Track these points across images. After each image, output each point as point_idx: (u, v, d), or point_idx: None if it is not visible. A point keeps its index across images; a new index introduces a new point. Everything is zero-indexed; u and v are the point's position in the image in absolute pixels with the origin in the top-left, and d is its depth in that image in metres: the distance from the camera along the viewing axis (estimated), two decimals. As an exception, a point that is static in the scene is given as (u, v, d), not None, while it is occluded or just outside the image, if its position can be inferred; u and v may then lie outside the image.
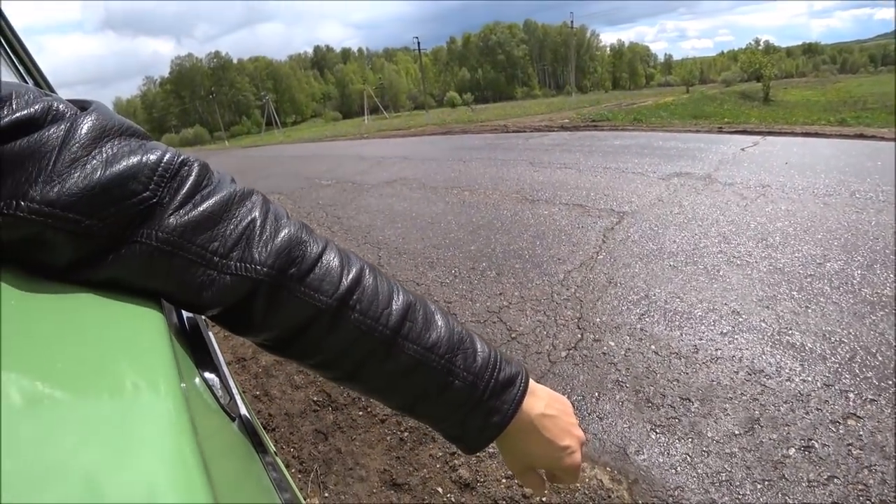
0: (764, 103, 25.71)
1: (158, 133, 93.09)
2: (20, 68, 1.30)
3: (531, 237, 3.73)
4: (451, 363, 0.44)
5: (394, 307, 0.42)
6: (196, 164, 0.37)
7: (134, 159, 0.33)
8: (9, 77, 1.22)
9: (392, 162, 9.02)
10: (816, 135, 7.80)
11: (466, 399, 0.45)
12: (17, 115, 0.30)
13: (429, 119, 30.15)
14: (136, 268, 0.33)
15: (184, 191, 0.35)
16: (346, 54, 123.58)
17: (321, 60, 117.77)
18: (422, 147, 11.34)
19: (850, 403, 1.74)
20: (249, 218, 0.38)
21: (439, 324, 0.45)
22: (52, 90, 1.49)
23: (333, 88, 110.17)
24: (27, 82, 1.30)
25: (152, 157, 0.34)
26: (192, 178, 0.36)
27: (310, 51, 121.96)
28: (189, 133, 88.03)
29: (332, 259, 0.41)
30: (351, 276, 0.41)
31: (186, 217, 0.35)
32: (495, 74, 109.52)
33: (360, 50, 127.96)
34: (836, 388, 1.82)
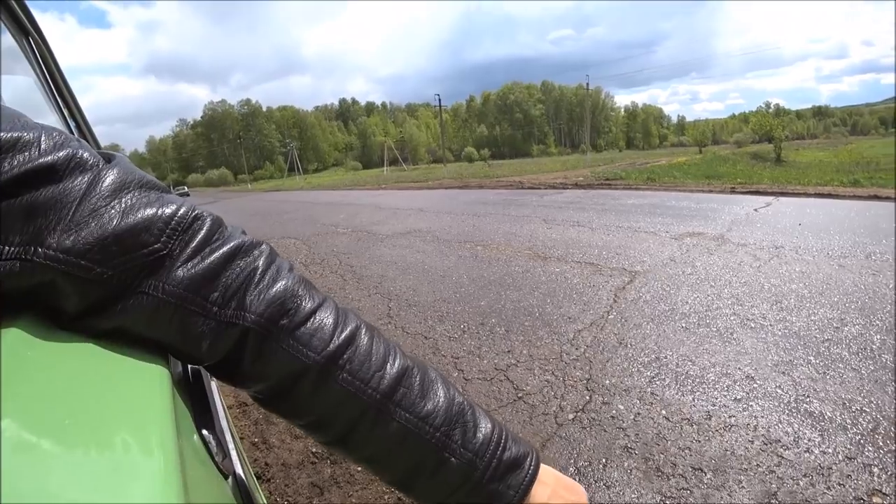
0: (776, 164, 25.81)
1: (185, 172, 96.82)
2: (61, 104, 1.39)
3: (542, 294, 3.72)
4: (447, 437, 0.41)
5: (387, 370, 0.41)
6: (209, 219, 0.38)
7: (149, 212, 0.35)
8: (54, 115, 1.31)
9: (408, 213, 9.20)
10: (830, 195, 7.82)
11: (464, 479, 0.41)
12: (40, 161, 0.31)
13: (446, 173, 30.82)
14: (142, 318, 0.34)
15: (194, 244, 0.36)
16: (370, 107, 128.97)
17: (346, 112, 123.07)
18: (438, 200, 11.57)
19: (875, 479, 1.65)
20: (251, 267, 0.39)
21: (438, 394, 0.43)
22: (89, 128, 1.58)
23: (355, 139, 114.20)
24: (68, 120, 1.40)
25: (167, 211, 0.36)
26: (203, 232, 0.37)
27: (336, 103, 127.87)
28: (214, 174, 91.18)
29: (326, 316, 0.40)
30: (344, 335, 0.40)
31: (193, 270, 0.35)
32: (512, 132, 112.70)
33: (383, 104, 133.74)
34: (859, 461, 1.73)
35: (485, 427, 0.43)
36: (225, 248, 0.38)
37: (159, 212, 0.35)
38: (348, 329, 0.41)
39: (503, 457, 0.43)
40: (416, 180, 23.50)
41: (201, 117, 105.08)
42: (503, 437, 0.44)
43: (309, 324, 0.39)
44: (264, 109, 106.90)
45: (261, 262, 0.40)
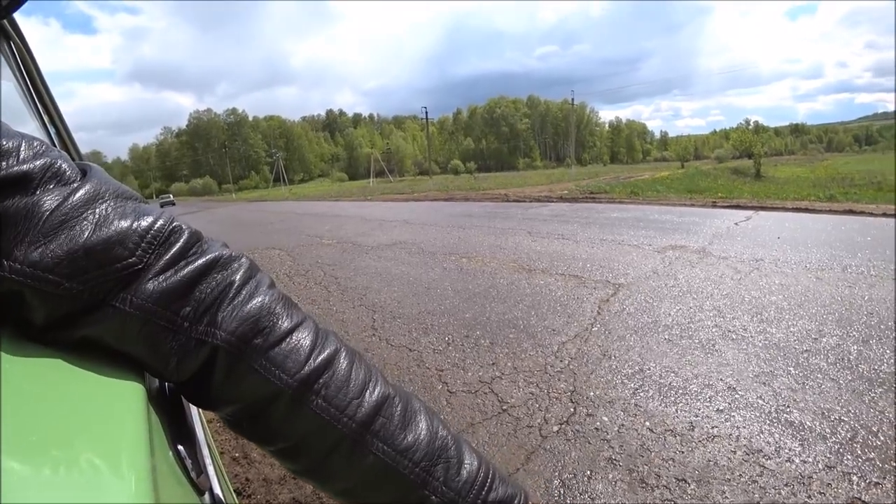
0: (756, 179, 26.44)
1: (169, 181, 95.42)
2: (41, 110, 1.37)
3: (526, 307, 3.73)
4: (427, 473, 0.39)
5: (366, 398, 0.39)
6: (187, 231, 0.37)
7: (124, 224, 0.33)
8: (33, 122, 1.29)
9: (393, 225, 9.19)
10: (807, 210, 8.00)
11: None
12: (15, 169, 0.31)
13: (432, 185, 30.95)
14: (110, 332, 0.33)
15: (168, 256, 0.35)
16: (356, 119, 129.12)
17: (332, 123, 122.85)
18: (423, 212, 11.59)
19: (854, 487, 1.67)
20: (227, 282, 0.37)
21: (420, 426, 0.40)
22: (69, 134, 1.56)
23: (342, 150, 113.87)
24: (48, 127, 1.37)
25: (143, 223, 0.34)
26: (179, 244, 0.36)
27: (323, 113, 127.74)
28: (198, 183, 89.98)
29: (303, 337, 0.39)
30: (321, 358, 0.38)
31: (164, 283, 0.34)
32: (498, 145, 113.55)
33: (370, 115, 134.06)
34: (839, 469, 1.76)
35: (470, 464, 0.41)
36: (201, 261, 0.37)
37: (135, 224, 0.34)
38: (326, 352, 0.39)
39: (488, 497, 0.41)
40: (402, 192, 23.54)
41: (186, 126, 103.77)
42: (489, 476, 0.42)
43: (284, 344, 0.37)
44: (250, 119, 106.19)
45: (238, 277, 0.38)
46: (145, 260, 0.34)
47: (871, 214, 7.08)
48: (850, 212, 7.49)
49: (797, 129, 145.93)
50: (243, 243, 8.62)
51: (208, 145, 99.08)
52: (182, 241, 0.36)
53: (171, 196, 51.27)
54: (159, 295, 0.34)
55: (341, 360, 0.40)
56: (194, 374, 0.36)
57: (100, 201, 0.34)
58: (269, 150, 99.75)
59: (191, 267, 0.36)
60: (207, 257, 0.37)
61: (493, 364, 2.79)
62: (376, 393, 0.40)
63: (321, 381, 0.38)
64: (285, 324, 0.38)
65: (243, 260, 0.40)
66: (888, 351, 2.59)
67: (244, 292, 0.38)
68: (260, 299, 0.38)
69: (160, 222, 0.35)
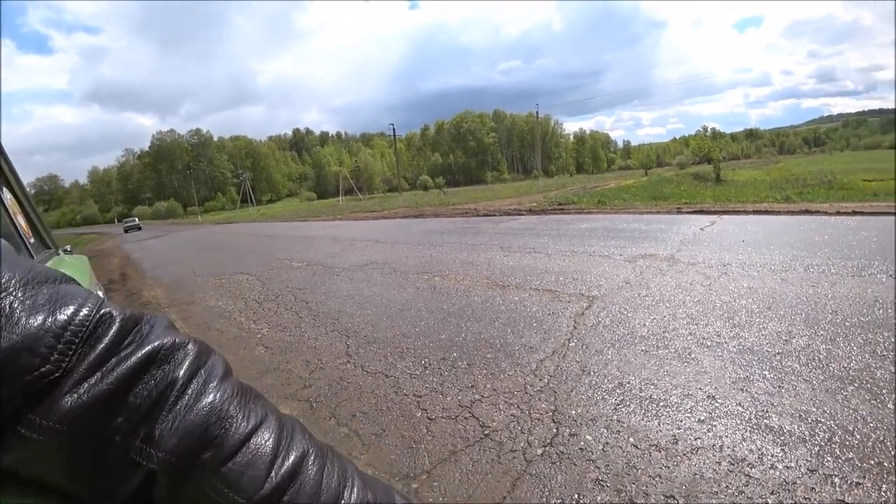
0: (716, 183, 27.48)
1: (131, 204, 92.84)
2: None
3: (502, 324, 3.68)
4: None
5: None
6: (118, 319, 0.31)
7: (34, 321, 0.27)
8: None
9: (364, 245, 9.08)
10: (767, 212, 8.30)
11: None
12: None
13: (402, 202, 30.94)
14: (20, 461, 0.27)
15: (93, 356, 0.29)
16: (324, 138, 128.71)
17: (300, 142, 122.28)
18: (394, 230, 11.52)
19: (837, 489, 1.67)
20: (169, 380, 0.31)
21: None
22: (11, 167, 1.44)
23: (310, 169, 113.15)
24: None
25: (61, 317, 0.28)
26: (108, 338, 0.30)
27: (289, 132, 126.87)
28: (162, 206, 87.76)
29: (263, 442, 0.32)
30: (286, 467, 0.32)
31: (87, 395, 0.28)
32: (466, 159, 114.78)
33: (338, 133, 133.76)
34: (821, 472, 1.76)
35: None
36: (135, 358, 0.30)
37: (49, 320, 0.28)
38: (291, 457, 0.33)
39: None
40: (371, 210, 23.38)
41: (149, 147, 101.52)
42: None
43: (239, 456, 0.31)
44: (216, 139, 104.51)
45: (182, 372, 0.32)
46: (63, 365, 0.28)
47: (826, 213, 7.39)
48: (807, 211, 7.80)
49: (751, 134, 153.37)
50: (210, 269, 8.35)
51: (172, 167, 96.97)
52: (112, 332, 0.30)
53: (137, 219, 48.52)
54: (80, 411, 0.27)
55: (309, 466, 0.33)
56: (128, 499, 0.30)
57: (3, 294, 0.27)
58: (236, 170, 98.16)
59: (123, 367, 0.29)
60: (144, 350, 0.31)
61: (472, 387, 2.73)
62: (352, 502, 0.34)
63: (286, 497, 0.31)
64: (241, 427, 0.32)
65: (189, 346, 0.34)
66: (855, 348, 2.65)
67: (189, 392, 0.31)
68: (209, 399, 0.32)
69: (84, 311, 0.29)
